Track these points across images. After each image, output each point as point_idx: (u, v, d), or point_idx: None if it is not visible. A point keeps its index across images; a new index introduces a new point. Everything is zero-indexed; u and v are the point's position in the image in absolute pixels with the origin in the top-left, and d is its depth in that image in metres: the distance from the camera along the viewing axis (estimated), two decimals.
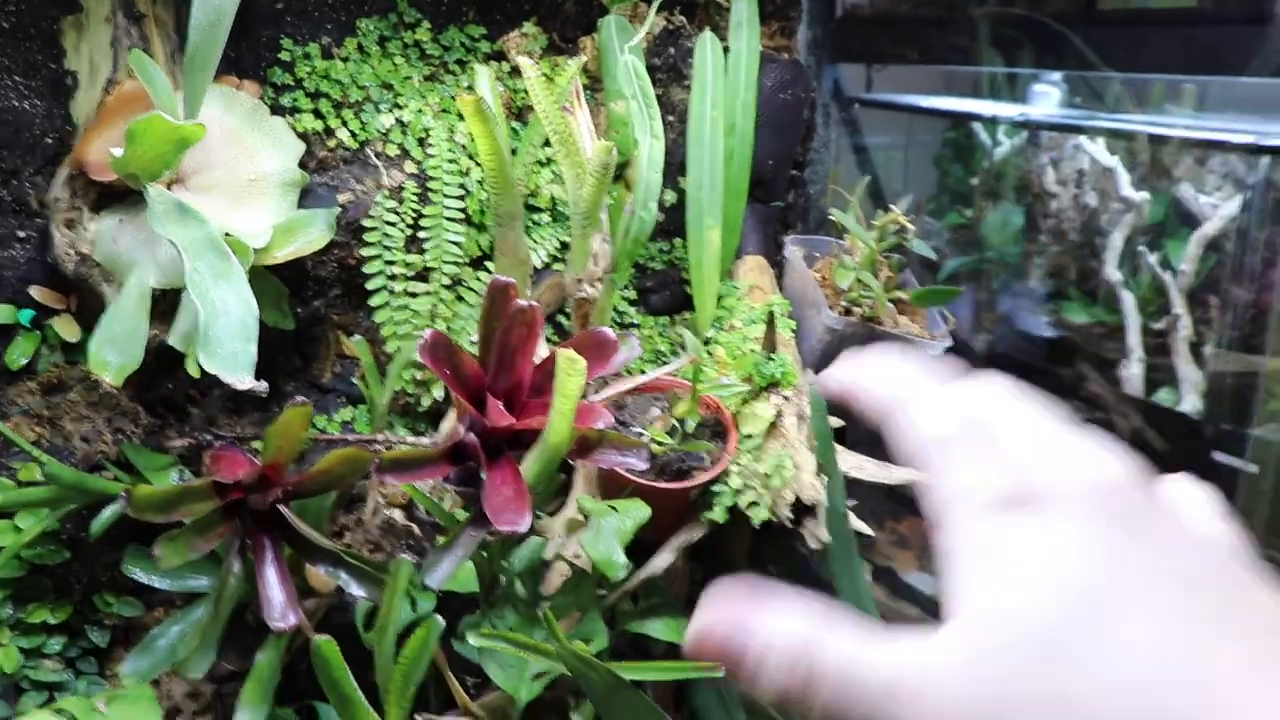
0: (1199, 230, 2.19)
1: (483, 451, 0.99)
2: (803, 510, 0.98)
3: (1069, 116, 2.34)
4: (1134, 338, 2.26)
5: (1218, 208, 2.20)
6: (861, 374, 0.44)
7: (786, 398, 1.12)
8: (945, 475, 0.38)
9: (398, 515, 1.05)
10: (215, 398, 1.15)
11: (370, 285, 1.14)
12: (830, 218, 1.26)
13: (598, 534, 1.00)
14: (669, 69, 1.29)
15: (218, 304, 0.92)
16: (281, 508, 1.04)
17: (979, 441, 0.38)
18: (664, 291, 1.34)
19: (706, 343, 1.29)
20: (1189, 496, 0.40)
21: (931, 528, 0.38)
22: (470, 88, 1.21)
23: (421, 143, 1.16)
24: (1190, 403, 2.18)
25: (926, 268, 2.75)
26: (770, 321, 1.12)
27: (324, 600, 1.15)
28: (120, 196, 1.09)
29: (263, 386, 0.93)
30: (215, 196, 1.09)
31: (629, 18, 1.27)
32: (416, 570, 0.99)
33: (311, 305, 1.20)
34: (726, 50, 1.25)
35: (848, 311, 1.25)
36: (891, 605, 2.70)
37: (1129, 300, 2.26)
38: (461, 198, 1.15)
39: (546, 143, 1.23)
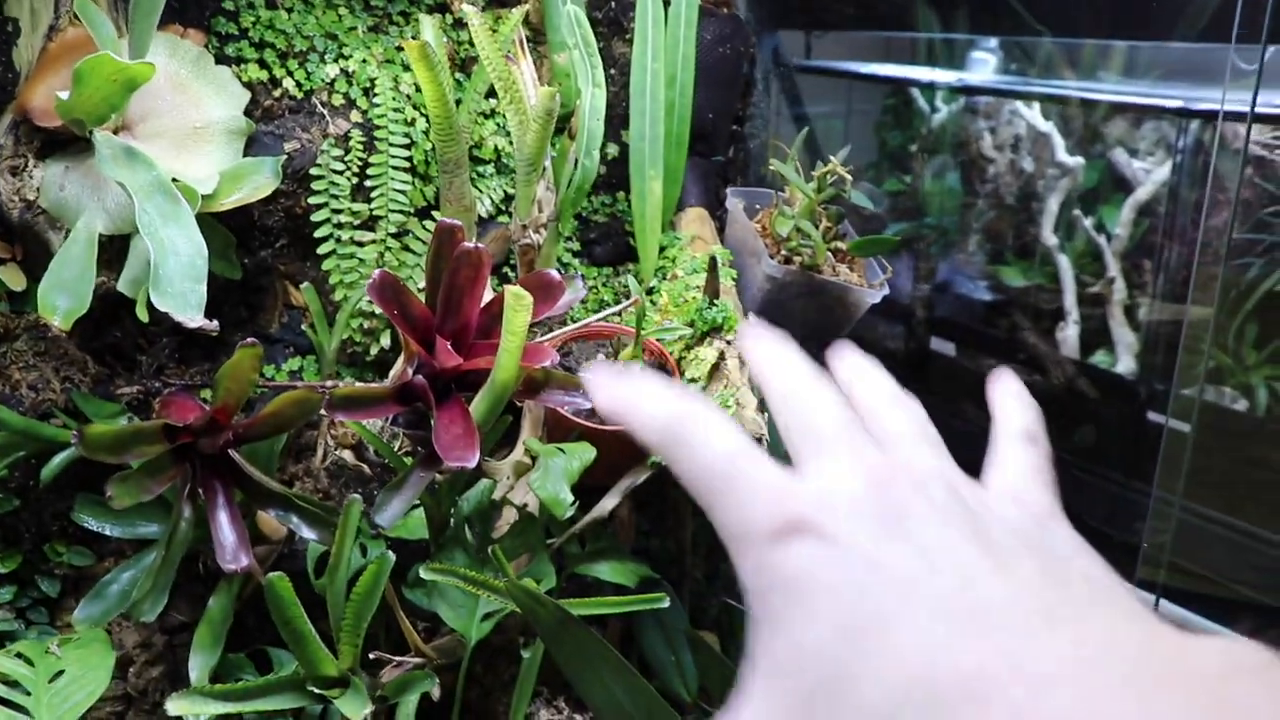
0: (1133, 195, 2.26)
1: (431, 392, 1.01)
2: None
3: (1005, 82, 2.39)
4: (1070, 300, 2.32)
5: (1150, 172, 2.26)
6: (640, 394, 0.42)
7: (729, 342, 1.15)
8: (730, 506, 0.36)
9: (348, 456, 1.07)
10: (163, 346, 1.16)
11: (318, 234, 1.15)
12: (771, 168, 1.28)
13: (545, 473, 1.02)
14: (610, 22, 1.31)
15: (167, 244, 0.93)
16: (232, 452, 1.05)
17: (753, 472, 0.36)
18: (607, 243, 1.36)
19: (650, 292, 1.32)
20: (1007, 464, 0.40)
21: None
22: (415, 38, 1.22)
23: (367, 92, 1.17)
24: (1125, 364, 2.25)
25: (866, 220, 2.80)
26: (713, 269, 1.14)
27: (274, 547, 1.16)
28: (65, 144, 1.08)
29: (213, 325, 0.94)
30: (161, 143, 1.09)
31: None
32: (367, 512, 1.01)
33: (258, 255, 1.20)
34: (667, 4, 1.27)
35: (788, 260, 1.28)
36: None
37: (1065, 263, 2.33)
38: (407, 147, 1.16)
39: (491, 94, 1.24)
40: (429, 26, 1.12)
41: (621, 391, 0.42)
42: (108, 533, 1.11)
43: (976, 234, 2.53)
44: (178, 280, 0.92)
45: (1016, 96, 2.38)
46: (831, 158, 1.28)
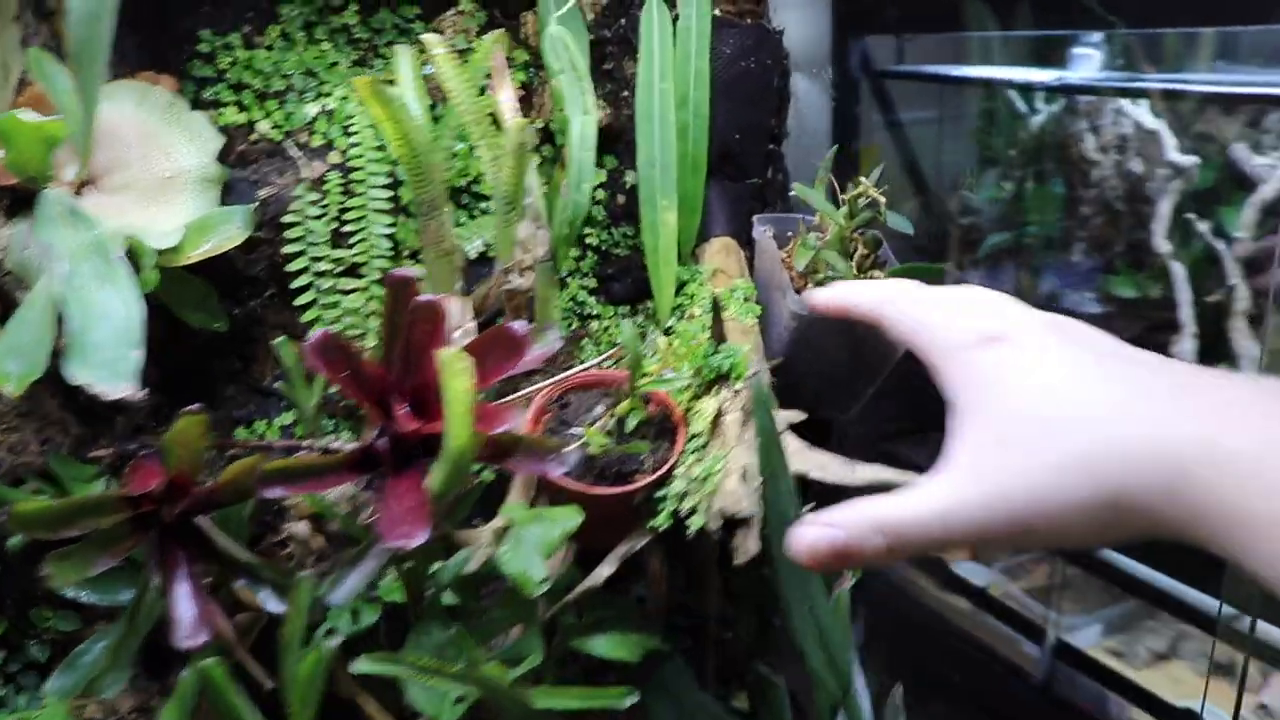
0: (1255, 193, 2.04)
1: (391, 458, 0.93)
2: (736, 520, 0.90)
3: (1110, 78, 2.20)
4: (1186, 312, 2.10)
5: (1276, 168, 2.04)
6: (848, 288, 0.54)
7: (737, 391, 1.03)
8: (938, 333, 0.47)
9: (302, 529, 1.00)
10: (140, 405, 1.11)
11: (295, 284, 1.09)
12: (794, 192, 1.16)
13: (517, 546, 0.93)
14: (620, 40, 1.21)
15: (98, 308, 0.87)
16: (198, 520, 0.99)
17: (957, 310, 0.48)
18: (626, 279, 1.26)
19: (668, 332, 1.21)
20: None
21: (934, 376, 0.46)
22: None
23: (346, 131, 1.10)
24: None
25: (914, 247, 2.62)
26: (715, 310, 1.03)
27: (258, 616, 1.10)
28: (31, 201, 1.05)
29: (139, 395, 0.88)
30: (128, 196, 1.04)
31: None
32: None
33: (248, 305, 1.15)
34: (677, 18, 1.17)
35: None
36: (939, 597, 2.58)
37: (1180, 272, 2.11)
38: (391, 187, 1.09)
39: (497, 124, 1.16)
40: (406, 57, 1.04)
41: (834, 291, 0.56)
42: (84, 599, 1.07)
43: (1082, 242, 2.33)
44: (108, 347, 0.86)
45: (1121, 94, 2.17)
46: (863, 179, 1.15)
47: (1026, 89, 2.31)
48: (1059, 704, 2.21)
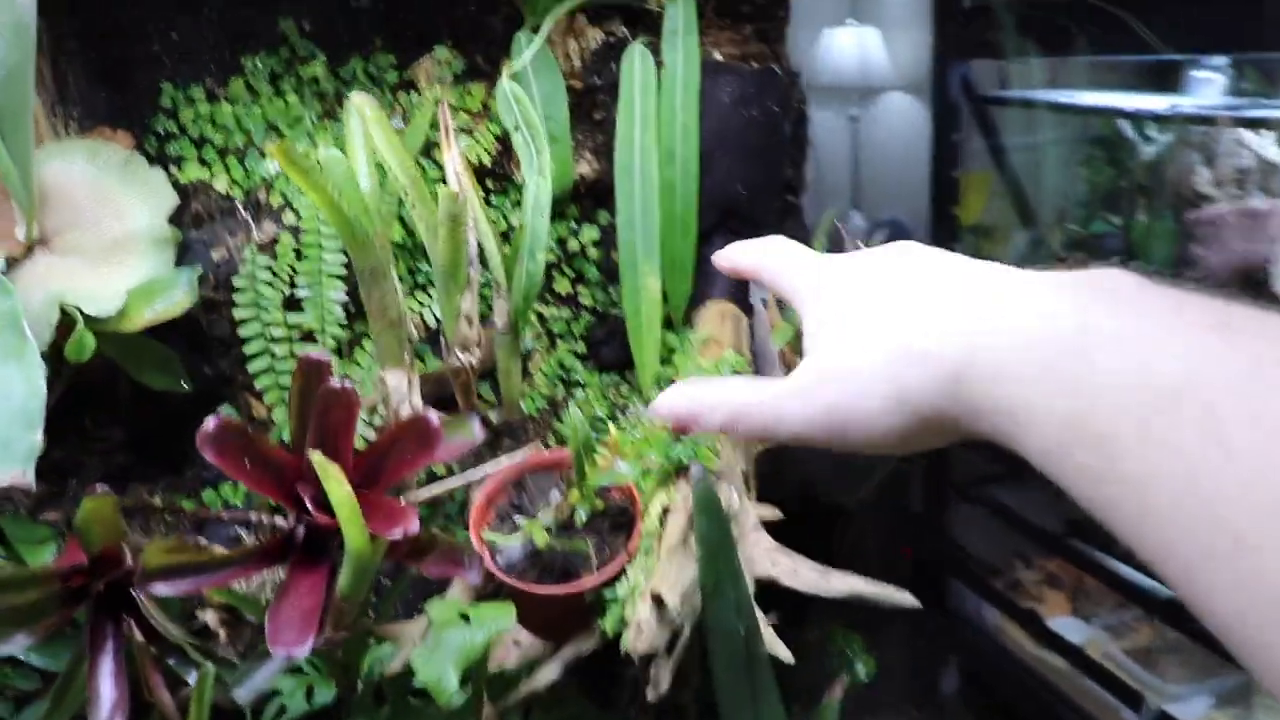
0: None
1: (303, 548, 0.87)
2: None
3: (1231, 106, 1.99)
4: None
5: None
6: (735, 249, 0.51)
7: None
8: (801, 269, 0.47)
9: (211, 618, 0.94)
10: (94, 466, 1.08)
11: (249, 349, 1.04)
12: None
13: (433, 651, 0.85)
14: (611, 88, 1.12)
15: None
16: (136, 592, 0.95)
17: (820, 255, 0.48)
18: (615, 342, 1.18)
19: (649, 404, 1.12)
20: None
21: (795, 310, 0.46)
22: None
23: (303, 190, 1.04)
24: None
25: None
26: None
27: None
28: None
29: (27, 481, 0.84)
30: (78, 258, 1.01)
31: (563, 32, 1.12)
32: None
33: (217, 365, 1.11)
34: (662, 65, 1.07)
35: None
36: (1034, 653, 2.40)
37: None
38: (346, 251, 1.03)
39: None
40: (355, 115, 0.98)
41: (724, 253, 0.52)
42: (33, 662, 1.04)
43: (1194, 283, 2.12)
44: (1, 427, 0.82)
45: (1245, 124, 1.97)
46: (860, 244, 1.04)
47: (1136, 117, 2.12)
48: None
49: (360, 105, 0.87)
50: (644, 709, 1.10)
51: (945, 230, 2.50)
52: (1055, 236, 2.42)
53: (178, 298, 1.00)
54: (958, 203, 2.56)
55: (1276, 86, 1.95)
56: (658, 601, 0.79)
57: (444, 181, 0.95)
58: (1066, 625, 2.44)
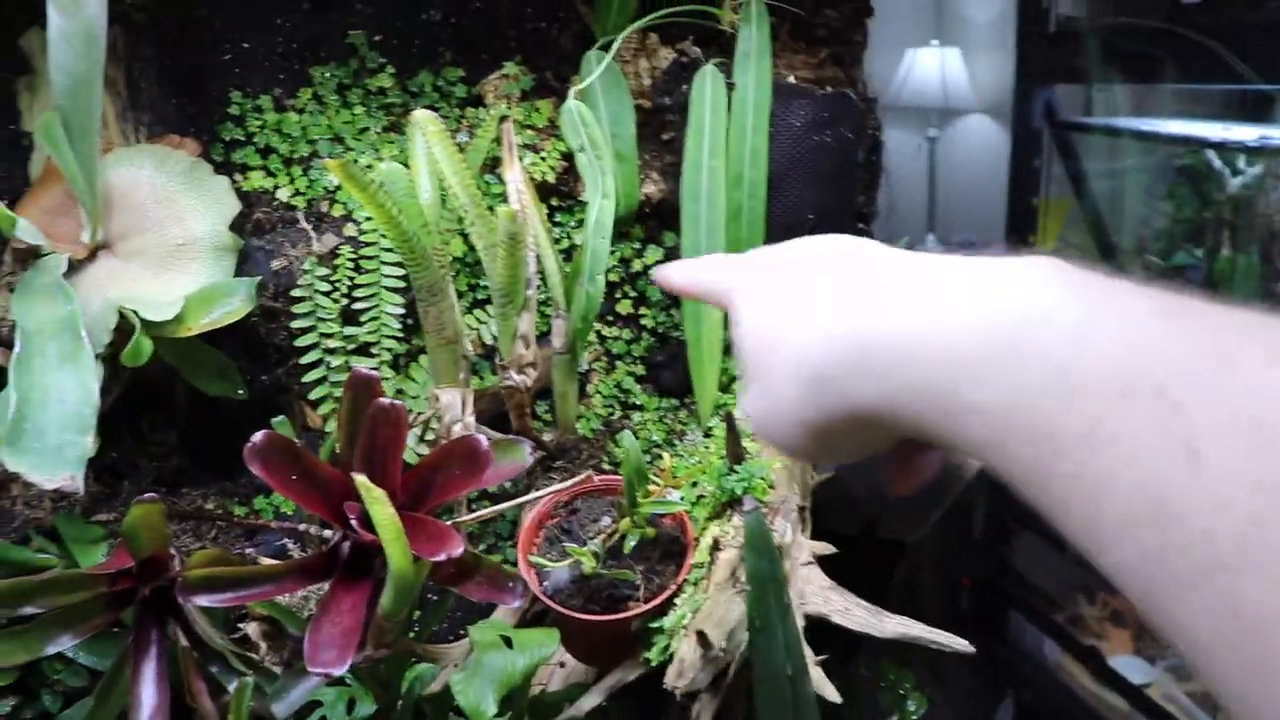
0: None
1: (346, 566, 0.86)
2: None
3: None
4: None
5: None
6: (673, 268, 0.51)
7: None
8: (730, 270, 0.47)
9: (253, 630, 0.94)
10: (150, 469, 1.09)
11: (305, 360, 1.04)
12: None
13: (473, 674, 0.84)
14: (680, 108, 1.10)
15: (51, 391, 0.84)
16: (184, 599, 0.95)
17: (753, 258, 0.48)
18: (677, 366, 1.16)
19: (708, 433, 1.10)
20: None
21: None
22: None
23: None
24: None
25: None
26: (731, 427, 0.91)
27: None
28: None
29: (75, 486, 0.84)
30: (140, 262, 1.02)
31: (634, 51, 1.10)
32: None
33: (274, 373, 1.11)
34: (733, 87, 1.05)
35: None
36: (1094, 691, 2.34)
37: None
38: (404, 264, 1.02)
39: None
40: (418, 130, 0.97)
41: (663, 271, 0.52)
42: (81, 660, 1.05)
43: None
44: (54, 431, 0.82)
45: None
46: None
47: (1223, 147, 2.06)
48: None
49: (423, 121, 0.87)
50: None
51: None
52: (1134, 267, 2.35)
53: (235, 305, 1.00)
54: (1034, 229, 2.50)
55: None
56: (702, 639, 0.77)
57: (506, 199, 0.94)
58: (1128, 664, 2.37)
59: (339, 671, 0.77)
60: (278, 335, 1.08)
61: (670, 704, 1.23)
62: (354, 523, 0.84)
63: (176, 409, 1.12)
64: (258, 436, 0.81)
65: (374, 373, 0.84)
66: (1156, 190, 2.33)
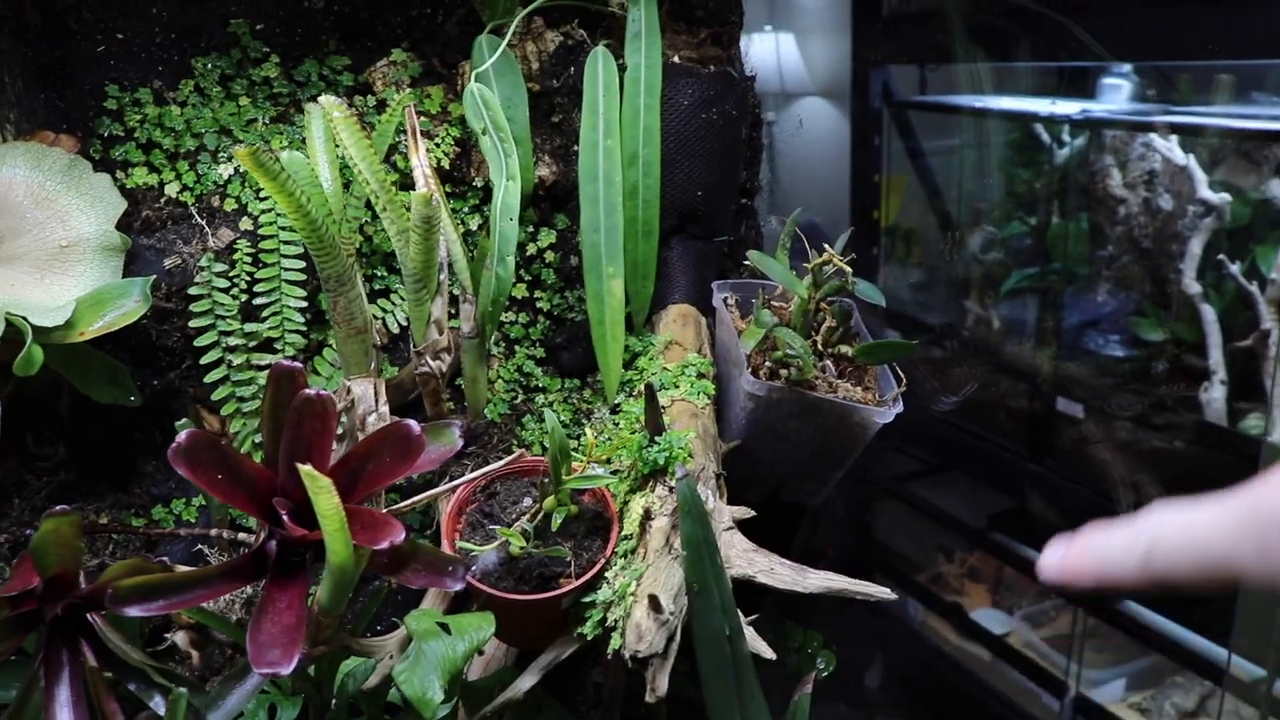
0: None
1: (276, 565, 0.84)
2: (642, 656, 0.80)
3: (1138, 111, 2.07)
4: (1216, 356, 1.96)
5: None
6: (1083, 552, 0.47)
7: (671, 489, 0.94)
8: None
9: (181, 639, 0.91)
10: (41, 486, 1.04)
11: (206, 359, 1.01)
12: (747, 261, 1.06)
13: (415, 664, 0.84)
14: (569, 91, 1.12)
15: None
16: (92, 617, 0.91)
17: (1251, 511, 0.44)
18: (576, 348, 1.17)
19: (615, 410, 1.12)
20: None
21: None
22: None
23: (260, 195, 1.01)
24: None
25: (940, 282, 2.50)
26: (650, 396, 0.93)
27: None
28: None
29: None
30: (21, 267, 0.97)
31: (521, 36, 1.11)
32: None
33: (166, 378, 1.07)
34: (625, 68, 1.07)
35: (773, 374, 1.05)
36: (958, 644, 2.46)
37: (1210, 314, 1.97)
38: (305, 257, 1.00)
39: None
40: (317, 117, 0.95)
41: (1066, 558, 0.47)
42: None
43: (1108, 282, 2.20)
44: None
45: (1149, 128, 2.04)
46: (826, 246, 1.05)
47: (1050, 121, 2.19)
48: None
49: (329, 107, 0.85)
50: (607, 712, 1.10)
51: (865, 233, 2.55)
52: (973, 238, 2.48)
53: (130, 306, 0.97)
54: (877, 205, 2.61)
55: (1181, 92, 2.04)
56: (654, 603, 0.79)
57: (405, 186, 0.94)
58: (988, 616, 2.50)
59: (286, 671, 0.76)
60: (170, 337, 1.04)
61: (587, 681, 1.25)
62: (285, 519, 0.82)
63: (62, 420, 1.07)
64: (182, 436, 0.78)
65: (296, 364, 0.83)
66: (990, 164, 2.46)
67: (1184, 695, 2.15)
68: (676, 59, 1.13)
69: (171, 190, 1.01)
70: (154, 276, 0.98)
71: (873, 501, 2.63)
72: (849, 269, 1.05)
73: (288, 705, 1.03)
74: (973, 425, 2.32)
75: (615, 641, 0.85)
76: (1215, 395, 1.94)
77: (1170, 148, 2.01)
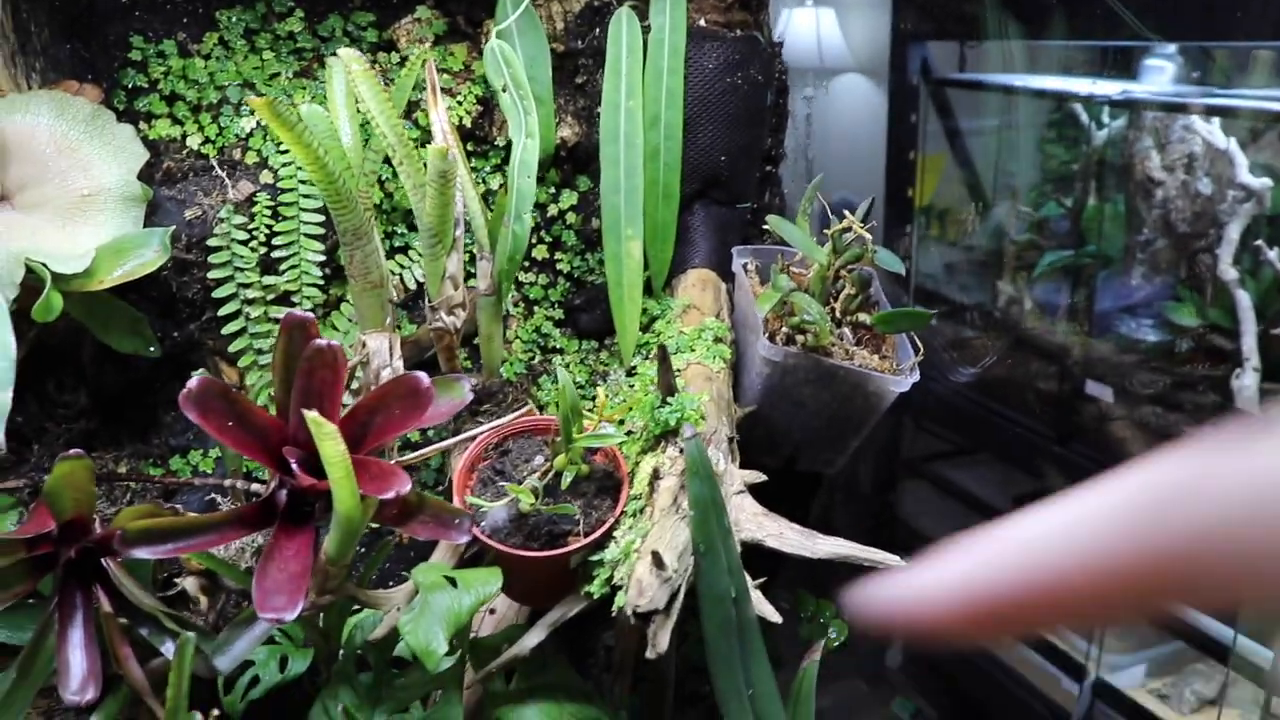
0: None
1: (286, 513, 0.85)
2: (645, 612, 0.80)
3: (1179, 93, 2.03)
4: (1250, 343, 1.93)
5: None
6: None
7: (681, 450, 0.93)
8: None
9: (191, 585, 0.92)
10: (60, 432, 1.05)
11: (224, 311, 1.01)
12: (767, 225, 1.05)
13: (420, 615, 0.84)
14: (593, 52, 1.11)
15: None
16: (107, 561, 0.93)
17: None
18: (595, 310, 1.17)
19: (631, 372, 1.11)
20: None
21: None
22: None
23: (280, 149, 1.02)
24: None
25: (973, 260, 2.48)
26: (663, 358, 0.93)
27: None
28: None
29: None
30: (43, 214, 0.98)
31: None
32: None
33: (186, 329, 1.08)
34: (649, 29, 1.06)
35: (790, 340, 1.04)
36: None
37: (1245, 300, 1.94)
38: (324, 210, 1.01)
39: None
40: (339, 72, 0.95)
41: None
42: None
43: (1142, 265, 2.17)
44: None
45: (1191, 110, 2.00)
46: (847, 213, 1.04)
47: (1090, 101, 2.15)
48: None
49: (349, 60, 0.85)
50: (618, 675, 1.10)
51: (899, 211, 2.53)
52: (1008, 218, 2.45)
53: (149, 256, 0.97)
54: (913, 184, 2.59)
55: (1221, 73, 2.00)
56: (656, 560, 0.79)
57: (426, 143, 0.94)
58: None
59: (290, 617, 0.77)
60: (190, 289, 1.05)
61: (598, 643, 1.25)
62: (294, 467, 0.83)
63: (84, 369, 1.08)
64: (193, 381, 0.79)
65: (309, 314, 0.83)
66: (1028, 144, 2.43)
67: (1205, 682, 2.12)
68: (702, 22, 1.12)
69: (193, 142, 1.02)
70: (174, 227, 0.98)
71: (898, 481, 2.62)
72: (869, 236, 1.04)
73: (298, 656, 1.04)
74: (1001, 407, 2.30)
75: (620, 599, 0.84)
76: (1247, 382, 1.91)
77: (1211, 131, 1.97)
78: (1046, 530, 0.33)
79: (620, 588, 0.86)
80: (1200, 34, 1.74)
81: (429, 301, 0.96)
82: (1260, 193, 1.90)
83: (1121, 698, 2.09)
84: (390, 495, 0.79)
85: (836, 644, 1.26)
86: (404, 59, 1.08)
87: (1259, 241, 1.90)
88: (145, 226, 1.00)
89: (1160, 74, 2.07)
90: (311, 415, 0.72)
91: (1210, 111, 1.94)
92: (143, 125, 1.02)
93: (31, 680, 0.93)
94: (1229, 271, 1.94)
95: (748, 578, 0.90)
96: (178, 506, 1.03)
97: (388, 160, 1.03)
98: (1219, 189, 1.99)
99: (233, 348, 1.02)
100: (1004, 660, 2.36)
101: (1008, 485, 2.44)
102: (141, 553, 0.78)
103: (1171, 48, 2.02)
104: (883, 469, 2.60)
